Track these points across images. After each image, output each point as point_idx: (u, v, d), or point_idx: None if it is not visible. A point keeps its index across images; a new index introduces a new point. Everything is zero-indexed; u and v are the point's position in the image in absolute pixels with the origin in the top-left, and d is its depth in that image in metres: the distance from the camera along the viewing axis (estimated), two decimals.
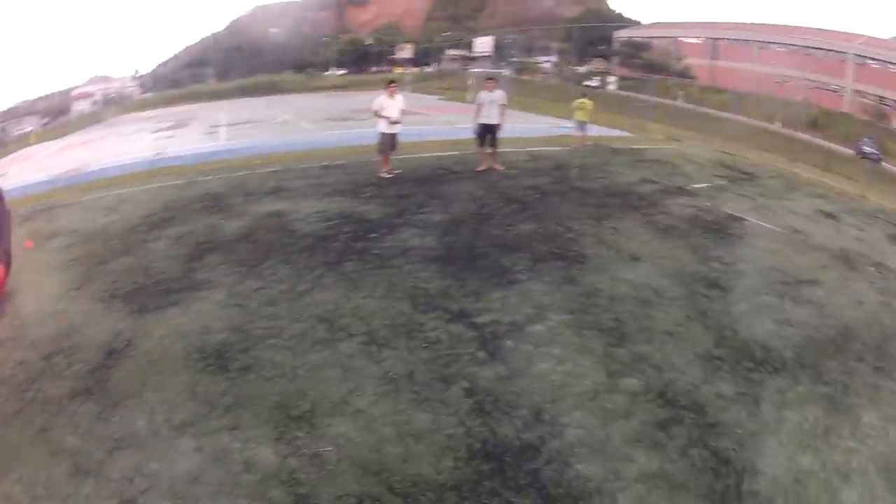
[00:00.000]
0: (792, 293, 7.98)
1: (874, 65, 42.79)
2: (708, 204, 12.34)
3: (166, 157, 19.74)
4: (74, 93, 56.45)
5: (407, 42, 72.33)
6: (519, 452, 4.47)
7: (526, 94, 40.78)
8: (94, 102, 56.18)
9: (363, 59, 72.00)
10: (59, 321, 6.56)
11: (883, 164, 30.32)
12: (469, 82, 41.17)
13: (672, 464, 4.45)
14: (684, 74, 54.34)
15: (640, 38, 61.45)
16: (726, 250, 9.48)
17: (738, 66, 50.40)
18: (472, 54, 66.19)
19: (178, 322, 6.43)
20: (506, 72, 52.06)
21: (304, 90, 58.61)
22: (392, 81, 14.03)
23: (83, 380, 5.32)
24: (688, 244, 9.61)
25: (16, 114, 48.08)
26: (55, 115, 51.43)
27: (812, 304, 7.72)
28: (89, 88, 58.59)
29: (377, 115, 13.40)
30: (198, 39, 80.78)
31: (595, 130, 21.58)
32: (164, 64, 72.75)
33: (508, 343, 6.06)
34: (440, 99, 43.31)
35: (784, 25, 50.67)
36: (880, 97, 41.75)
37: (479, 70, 46.92)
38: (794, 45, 47.50)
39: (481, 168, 14.44)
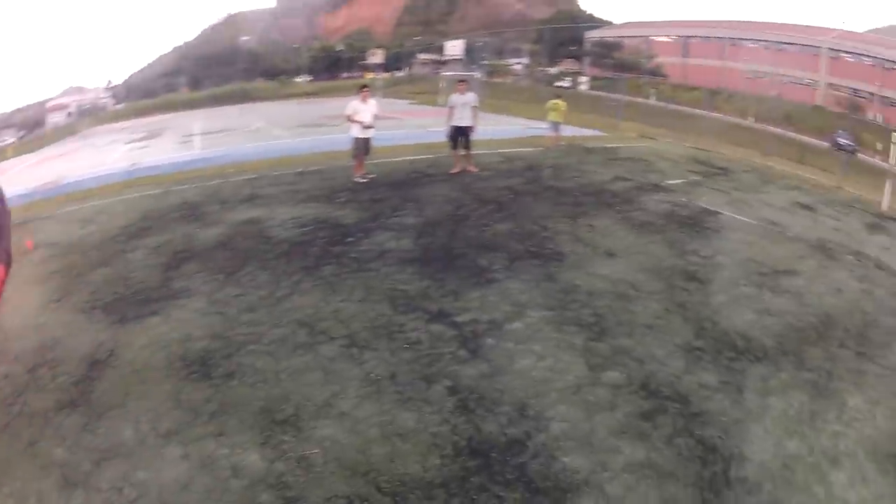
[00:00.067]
0: (770, 283, 8.13)
1: (848, 58, 43.46)
2: (683, 199, 12.51)
3: (142, 168, 19.63)
4: (49, 105, 56.12)
5: (378, 47, 72.36)
6: (505, 448, 4.51)
7: (497, 96, 40.98)
8: (69, 114, 55.92)
9: (335, 66, 71.90)
10: (41, 334, 6.52)
11: (858, 155, 30.80)
12: (441, 85, 41.32)
13: (658, 453, 4.52)
14: (656, 73, 54.93)
15: (611, 38, 61.97)
16: (703, 244, 9.63)
17: (710, 64, 50.99)
18: (443, 58, 66.42)
19: (160, 331, 6.41)
20: (477, 75, 52.21)
21: (277, 98, 58.60)
22: (364, 86, 14.04)
23: (68, 392, 5.30)
24: (664, 239, 9.74)
25: None
26: (31, 128, 51.06)
27: (791, 293, 7.87)
28: (64, 100, 58.33)
29: (350, 119, 13.40)
30: (170, 49, 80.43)
31: (568, 131, 21.78)
32: (137, 74, 72.37)
33: (489, 341, 6.11)
34: (412, 103, 43.47)
35: (756, 22, 51.33)
36: (854, 90, 42.44)
37: (451, 74, 47.01)
38: (766, 41, 48.15)
39: (455, 170, 14.50)
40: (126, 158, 23.69)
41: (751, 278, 8.29)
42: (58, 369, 5.72)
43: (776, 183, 17.03)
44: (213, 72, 66.52)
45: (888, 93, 40.79)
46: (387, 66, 69.60)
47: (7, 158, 34.26)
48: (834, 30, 45.43)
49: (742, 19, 54.80)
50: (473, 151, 14.62)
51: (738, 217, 11.46)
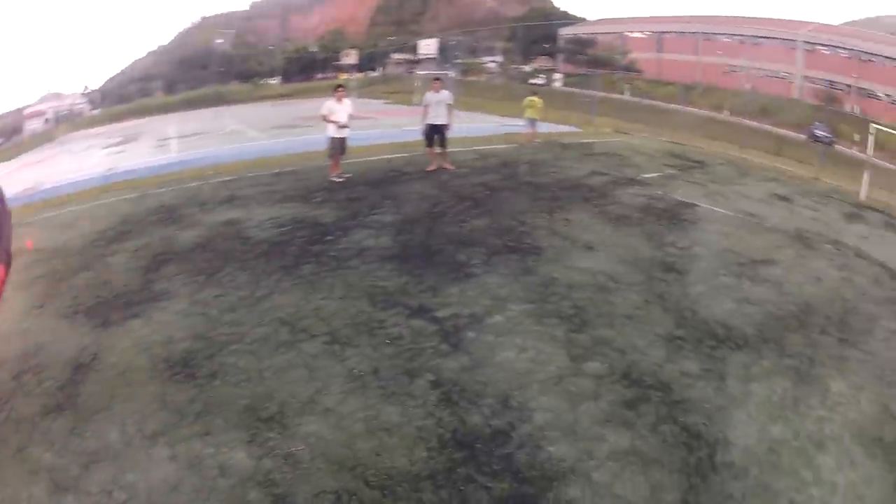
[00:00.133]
0: (749, 273, 8.29)
1: (824, 51, 43.94)
2: (659, 192, 12.65)
3: (119, 172, 19.51)
4: (27, 112, 55.47)
5: (352, 48, 72.11)
6: (490, 439, 4.59)
7: (472, 94, 40.98)
8: (46, 121, 55.28)
9: (309, 67, 71.59)
10: (25, 339, 6.49)
11: (836, 146, 31.20)
12: (416, 84, 41.30)
13: (643, 440, 4.62)
14: (630, 69, 55.22)
15: (585, 35, 62.14)
16: (680, 235, 9.77)
17: (685, 59, 51.34)
18: (417, 57, 66.33)
19: (142, 333, 6.42)
20: (451, 73, 52.22)
21: (251, 100, 58.22)
22: (340, 86, 14.04)
23: (54, 396, 5.29)
24: (642, 231, 9.88)
25: None
26: (9, 136, 50.46)
27: (770, 282, 8.03)
28: (41, 107, 57.71)
29: (326, 119, 13.41)
30: (145, 53, 79.79)
31: (544, 127, 21.88)
32: (112, 79, 71.73)
33: (470, 335, 6.19)
34: (387, 103, 43.42)
35: (730, 17, 51.74)
36: (831, 82, 42.93)
37: (425, 73, 47.00)
38: (740, 35, 48.58)
39: (431, 168, 14.58)
40: (103, 163, 23.52)
41: (729, 268, 8.44)
42: (43, 374, 5.71)
43: (753, 175, 17.24)
44: (187, 75, 66.12)
45: (865, 84, 41.36)
46: (361, 67, 69.35)
47: None
48: (810, 23, 45.95)
49: (716, 14, 55.36)
50: (449, 149, 14.69)
51: (716, 209, 11.62)
